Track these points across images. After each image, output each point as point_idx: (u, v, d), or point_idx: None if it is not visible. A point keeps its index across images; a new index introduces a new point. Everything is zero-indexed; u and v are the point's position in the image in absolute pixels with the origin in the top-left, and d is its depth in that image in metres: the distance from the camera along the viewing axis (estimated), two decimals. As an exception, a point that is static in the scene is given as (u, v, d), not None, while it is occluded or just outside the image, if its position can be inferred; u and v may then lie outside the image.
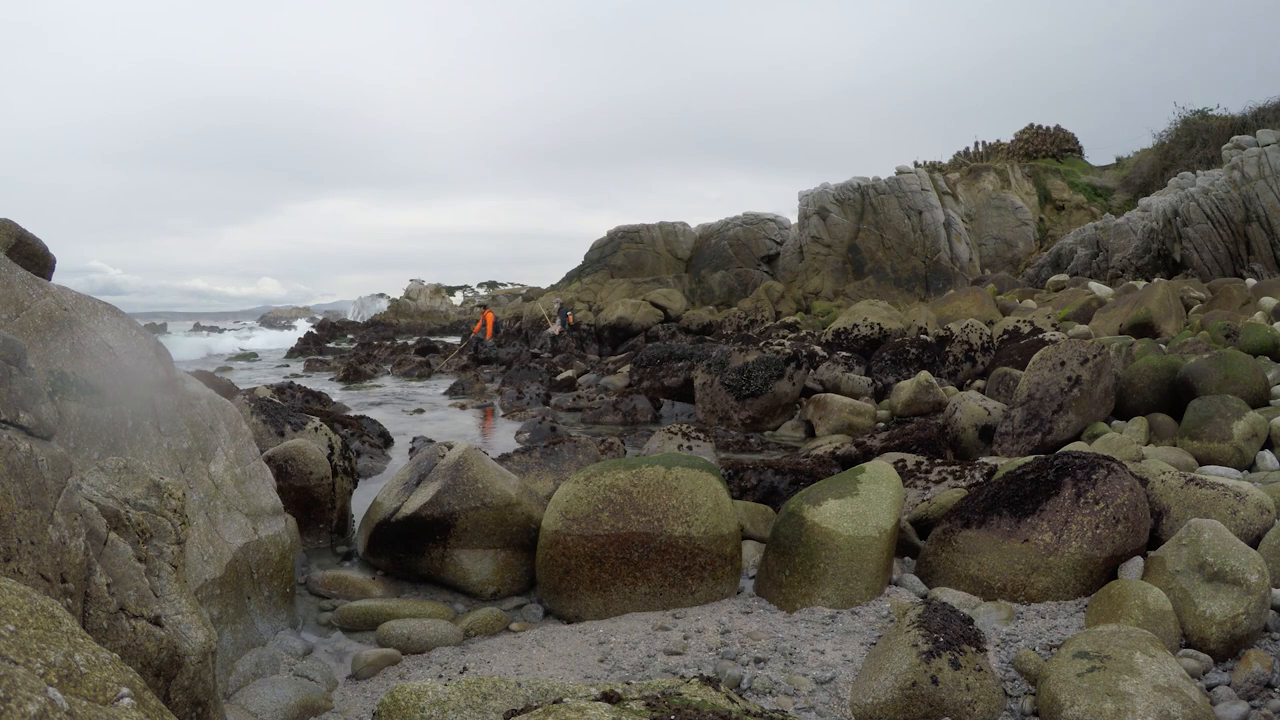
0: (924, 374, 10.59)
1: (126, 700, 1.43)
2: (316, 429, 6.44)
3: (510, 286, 56.40)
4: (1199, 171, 21.56)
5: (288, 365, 24.27)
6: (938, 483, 5.98)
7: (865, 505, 4.47)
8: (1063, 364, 7.69)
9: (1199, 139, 26.45)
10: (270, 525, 4.17)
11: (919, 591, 4.48)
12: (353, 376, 18.29)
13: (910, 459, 6.56)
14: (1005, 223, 28.56)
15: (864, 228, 28.59)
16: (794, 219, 30.86)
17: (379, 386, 17.32)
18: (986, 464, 6.39)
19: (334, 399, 13.03)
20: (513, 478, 5.20)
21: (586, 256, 35.34)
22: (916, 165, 30.79)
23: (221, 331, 42.95)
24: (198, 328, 53.94)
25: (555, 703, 2.00)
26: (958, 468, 6.17)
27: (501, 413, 13.18)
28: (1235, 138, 20.73)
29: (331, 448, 6.05)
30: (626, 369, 15.53)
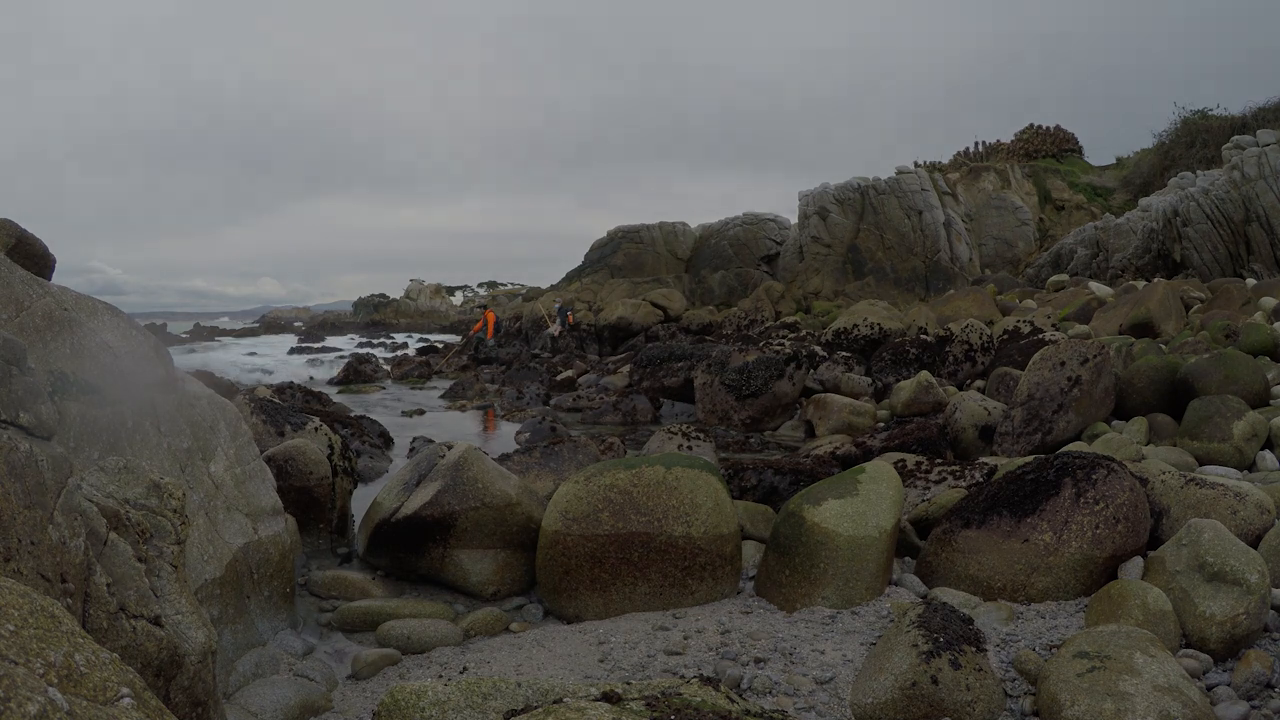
0: (924, 374, 10.59)
1: (126, 700, 1.43)
2: (316, 429, 6.44)
3: (510, 286, 56.42)
4: (1199, 171, 21.56)
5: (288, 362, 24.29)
6: (938, 483, 5.98)
7: (865, 505, 4.47)
8: (1063, 364, 7.69)
9: (1199, 139, 26.44)
10: (270, 525, 4.17)
11: (919, 591, 4.48)
12: (352, 377, 18.29)
13: (910, 459, 6.56)
14: (1005, 223, 28.56)
15: (864, 228, 28.59)
16: (794, 219, 30.86)
17: (380, 387, 17.32)
18: (986, 464, 6.39)
19: (334, 399, 13.03)
20: (513, 478, 5.20)
21: (586, 256, 35.33)
22: (916, 165, 30.79)
23: (221, 341, 42.70)
24: (198, 328, 53.86)
25: (555, 703, 2.00)
26: (958, 468, 6.17)
27: (501, 413, 13.17)
28: (1235, 138, 20.73)
29: (331, 448, 6.04)
30: (626, 369, 15.53)
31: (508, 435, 10.81)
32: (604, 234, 34.96)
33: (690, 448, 8.31)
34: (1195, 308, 14.22)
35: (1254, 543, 4.17)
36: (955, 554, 4.51)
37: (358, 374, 18.65)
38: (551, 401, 14.02)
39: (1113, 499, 4.26)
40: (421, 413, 13.17)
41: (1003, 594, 4.27)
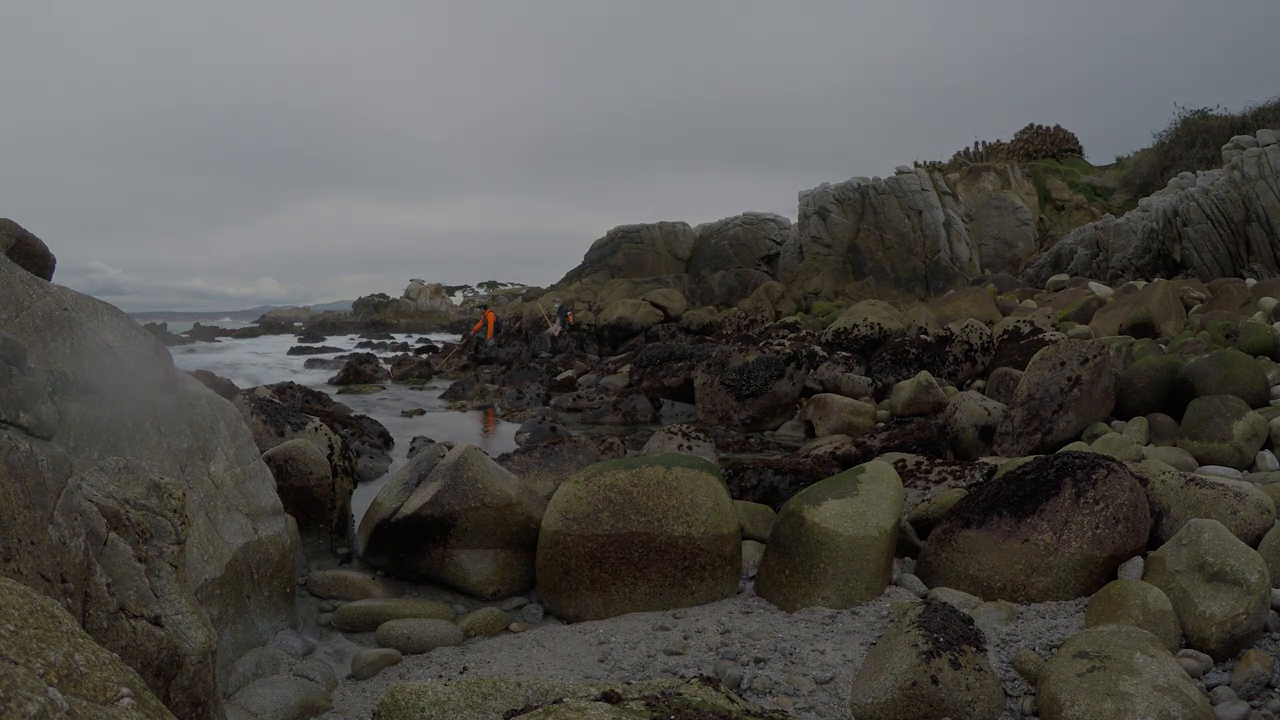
0: (924, 374, 10.59)
1: (126, 700, 1.43)
2: (316, 429, 6.44)
3: (510, 286, 56.41)
4: (1199, 171, 21.56)
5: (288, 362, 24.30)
6: (938, 483, 5.98)
7: (865, 505, 4.47)
8: (1063, 364, 7.69)
9: (1199, 139, 26.45)
10: (270, 525, 4.17)
11: (919, 591, 4.48)
12: (352, 377, 18.28)
13: (910, 459, 6.56)
14: (1005, 223, 28.56)
15: (864, 228, 28.59)
16: (794, 219, 30.86)
17: (380, 387, 17.31)
18: (986, 464, 6.39)
19: (333, 399, 13.02)
20: (513, 478, 5.20)
21: (586, 256, 35.33)
22: (916, 165, 30.79)
23: (222, 341, 42.74)
24: (198, 328, 53.83)
25: (555, 703, 2.00)
26: (958, 468, 6.17)
27: (501, 413, 13.17)
28: (1235, 138, 20.73)
29: (331, 448, 6.04)
30: (626, 369, 15.53)
31: (508, 435, 10.80)
32: (604, 234, 34.95)
33: (690, 448, 8.31)
34: (1195, 308, 14.22)
35: (1254, 543, 4.17)
36: (955, 554, 4.50)
37: (358, 374, 18.64)
38: (551, 401, 14.02)
39: (1113, 499, 4.26)
40: (421, 413, 13.17)
41: (1003, 594, 4.27)
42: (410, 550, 4.93)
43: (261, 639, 3.87)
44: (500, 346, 22.99)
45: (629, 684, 2.30)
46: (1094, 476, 4.37)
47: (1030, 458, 5.60)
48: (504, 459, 6.79)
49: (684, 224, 33.58)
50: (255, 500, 4.14)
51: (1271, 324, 10.96)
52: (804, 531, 4.41)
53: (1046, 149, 33.01)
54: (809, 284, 28.12)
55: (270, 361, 26.26)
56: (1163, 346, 10.58)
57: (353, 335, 45.10)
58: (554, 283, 37.28)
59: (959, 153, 34.03)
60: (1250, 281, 15.88)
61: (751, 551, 5.07)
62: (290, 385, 12.57)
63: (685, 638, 4.04)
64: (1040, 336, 11.67)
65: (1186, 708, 2.84)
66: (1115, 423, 7.80)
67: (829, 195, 29.40)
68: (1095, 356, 7.70)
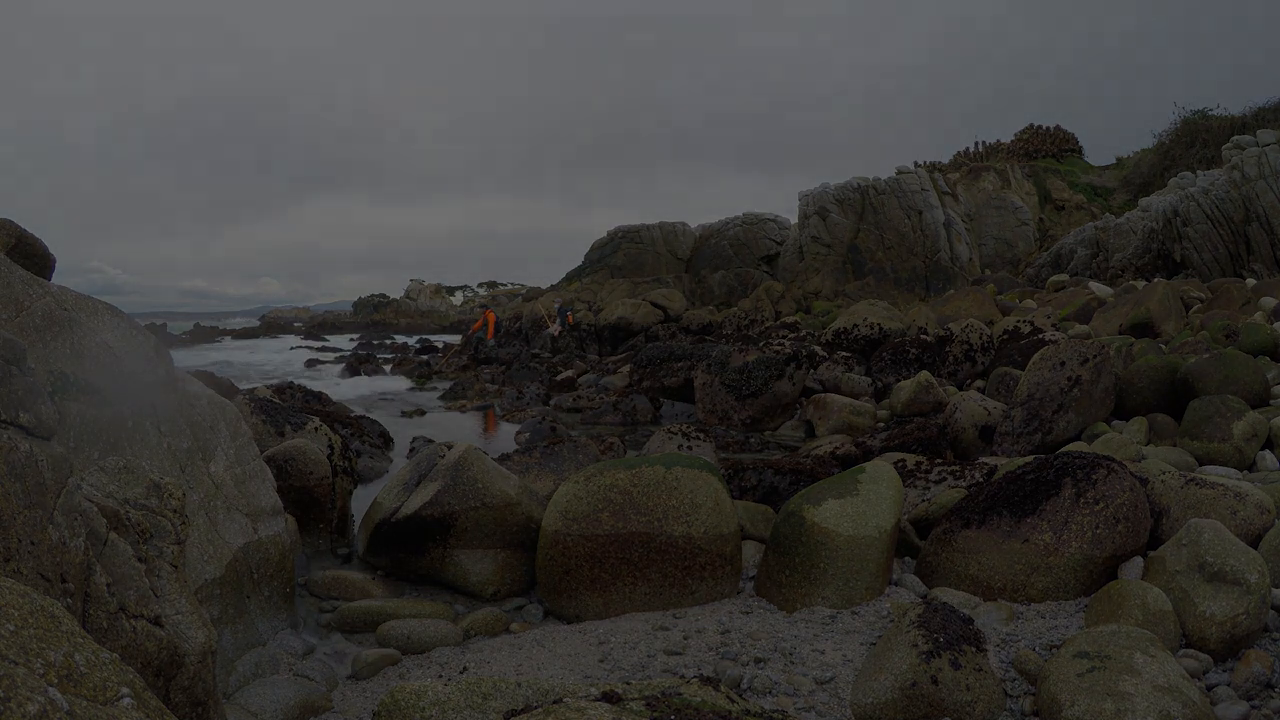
0: (924, 374, 10.59)
1: (126, 700, 1.44)
2: (316, 429, 6.44)
3: (510, 286, 56.41)
4: (1199, 171, 21.56)
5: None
6: (938, 483, 5.98)
7: (865, 505, 4.47)
8: (1063, 364, 7.69)
9: (1199, 139, 26.47)
10: (270, 525, 4.16)
11: (919, 591, 4.48)
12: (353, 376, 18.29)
13: (910, 459, 6.56)
14: (1005, 223, 28.56)
15: (864, 228, 28.60)
16: (794, 219, 30.87)
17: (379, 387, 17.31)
18: (986, 464, 6.38)
19: (333, 399, 13.01)
20: (513, 478, 5.20)
21: (586, 256, 35.33)
22: (916, 165, 30.80)
23: (222, 341, 42.75)
24: (198, 328, 53.78)
25: (555, 703, 2.00)
26: (958, 468, 6.17)
27: (501, 413, 13.16)
28: (1235, 138, 20.73)
29: (331, 448, 6.04)
30: (626, 369, 15.52)
31: (508, 435, 10.80)
32: (604, 234, 34.96)
33: (690, 448, 8.30)
34: (1195, 308, 14.22)
35: (1254, 543, 4.17)
36: (955, 554, 4.51)
37: (357, 373, 18.65)
38: (551, 401, 14.02)
39: (1113, 499, 4.26)
40: (422, 413, 13.16)
41: (1003, 594, 4.27)
42: (410, 550, 4.93)
43: (261, 639, 3.87)
44: (500, 346, 22.99)
45: (629, 684, 2.30)
46: (1094, 476, 4.37)
47: (1030, 458, 5.60)
48: (504, 459, 6.78)
49: (684, 224, 33.58)
50: (255, 500, 4.14)
51: (1271, 324, 10.95)
52: (804, 531, 4.41)
53: (1046, 149, 33.04)
54: (809, 284, 28.13)
55: (270, 361, 26.27)
56: (1163, 346, 10.58)
57: (353, 335, 45.10)
58: (554, 283, 37.27)
59: (959, 153, 34.07)
60: (1250, 281, 15.87)
61: (751, 551, 5.07)
62: (290, 385, 12.57)
63: (685, 638, 4.04)
64: (1040, 336, 11.67)
65: (1186, 708, 2.84)
66: (1115, 423, 7.80)
67: (829, 195, 29.41)
68: (1095, 356, 7.70)
